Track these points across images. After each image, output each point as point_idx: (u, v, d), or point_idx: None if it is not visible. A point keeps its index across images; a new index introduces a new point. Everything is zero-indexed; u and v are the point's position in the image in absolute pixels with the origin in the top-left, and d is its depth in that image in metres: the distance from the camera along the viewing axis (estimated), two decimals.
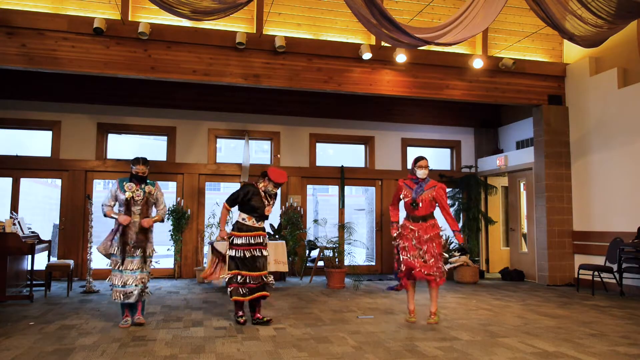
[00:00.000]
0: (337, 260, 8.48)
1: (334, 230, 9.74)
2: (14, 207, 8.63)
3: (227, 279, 5.20)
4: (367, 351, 4.12)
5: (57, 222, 9.08)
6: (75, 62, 6.99)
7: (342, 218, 10.05)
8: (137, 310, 5.10)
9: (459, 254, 8.95)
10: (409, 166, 5.64)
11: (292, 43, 7.67)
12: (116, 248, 4.99)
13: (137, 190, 5.10)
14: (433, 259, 5.15)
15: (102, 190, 14.27)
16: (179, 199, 9.25)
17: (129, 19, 7.17)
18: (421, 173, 5.31)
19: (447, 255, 8.80)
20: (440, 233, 5.35)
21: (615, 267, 7.30)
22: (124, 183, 5.11)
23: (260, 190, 5.26)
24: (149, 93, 9.19)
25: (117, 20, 7.05)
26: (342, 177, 10.01)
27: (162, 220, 5.33)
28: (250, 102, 9.65)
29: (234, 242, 5.16)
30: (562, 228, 8.64)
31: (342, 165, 10.07)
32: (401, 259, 5.29)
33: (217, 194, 11.96)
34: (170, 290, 7.56)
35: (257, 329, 4.96)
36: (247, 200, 5.20)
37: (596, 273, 7.47)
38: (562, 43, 8.99)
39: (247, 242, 5.14)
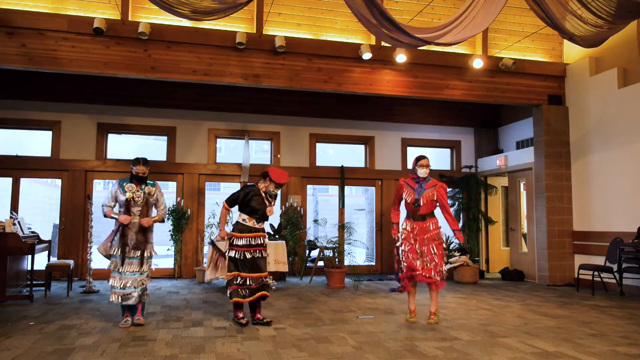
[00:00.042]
0: (337, 260, 8.48)
1: (334, 230, 9.74)
2: (14, 207, 8.63)
3: (226, 281, 5.19)
4: (367, 351, 4.12)
5: (57, 222, 9.09)
6: (75, 62, 6.99)
7: (342, 218, 10.05)
8: (137, 310, 5.10)
9: (459, 254, 8.95)
10: (409, 166, 5.65)
11: (292, 43, 7.67)
12: (116, 249, 4.99)
13: (138, 191, 5.09)
14: (433, 261, 5.15)
15: (102, 190, 14.27)
16: (179, 199, 9.25)
17: (129, 19, 7.17)
18: (422, 172, 5.31)
19: (447, 254, 8.80)
20: (440, 232, 5.35)
21: (615, 267, 7.30)
22: (124, 184, 5.10)
23: (261, 191, 5.25)
24: (149, 93, 9.19)
25: (117, 20, 7.05)
26: (342, 177, 10.01)
27: (162, 221, 5.32)
28: (250, 102, 9.65)
29: (234, 243, 5.14)
30: (562, 228, 8.65)
31: (342, 165, 10.07)
32: (402, 260, 5.29)
33: (217, 194, 11.96)
34: (170, 290, 7.56)
35: (257, 329, 4.96)
36: (248, 201, 5.18)
37: (596, 273, 7.47)
38: (562, 43, 8.99)
39: (248, 243, 5.13)
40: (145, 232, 5.08)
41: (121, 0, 7.02)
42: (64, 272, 7.38)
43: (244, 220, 5.19)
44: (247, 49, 7.56)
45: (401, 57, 7.91)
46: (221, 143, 10.44)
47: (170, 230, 9.02)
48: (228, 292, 5.14)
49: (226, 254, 5.27)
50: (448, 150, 11.00)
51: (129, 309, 5.08)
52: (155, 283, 8.20)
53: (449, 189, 10.02)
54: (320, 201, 16.04)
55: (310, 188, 10.97)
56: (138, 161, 5.13)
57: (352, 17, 7.24)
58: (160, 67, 7.30)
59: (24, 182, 9.06)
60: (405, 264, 5.24)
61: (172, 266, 9.19)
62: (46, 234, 9.09)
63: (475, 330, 4.92)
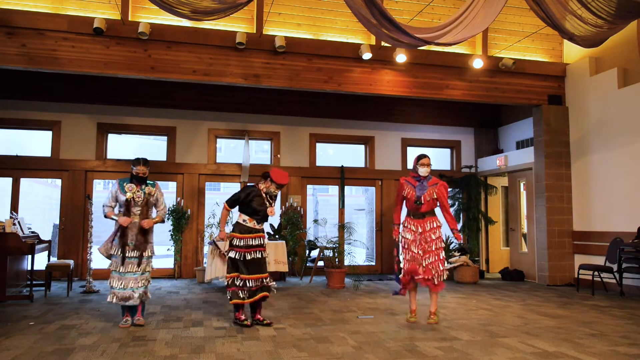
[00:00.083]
0: (337, 260, 8.48)
1: (334, 230, 9.74)
2: (14, 207, 8.63)
3: (226, 282, 5.18)
4: (367, 351, 4.12)
5: (57, 222, 9.09)
6: (75, 62, 6.99)
7: (342, 218, 10.05)
8: (137, 311, 5.10)
9: (459, 254, 8.95)
10: (409, 166, 5.66)
11: (292, 43, 7.67)
12: (116, 249, 4.99)
13: (138, 191, 5.08)
14: (433, 263, 5.15)
15: (102, 190, 14.29)
16: (179, 199, 9.25)
17: (129, 19, 7.17)
18: (423, 171, 5.32)
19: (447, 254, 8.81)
20: (441, 231, 5.36)
21: (615, 267, 7.30)
22: (125, 184, 5.10)
23: (262, 192, 5.25)
24: (149, 93, 9.19)
25: (117, 20, 7.05)
26: (342, 177, 10.01)
27: (162, 221, 5.31)
28: (250, 102, 9.65)
29: (234, 243, 5.13)
30: (562, 228, 8.65)
31: (342, 165, 10.07)
32: (401, 261, 5.30)
33: (217, 194, 11.97)
34: (170, 290, 7.56)
35: (257, 329, 4.96)
36: (248, 201, 5.17)
37: (596, 273, 7.47)
38: (562, 43, 8.99)
39: (248, 244, 5.12)
40: (145, 232, 5.08)
41: (121, 0, 7.02)
42: (64, 272, 7.38)
43: (244, 221, 5.18)
44: (247, 49, 7.56)
45: (401, 57, 7.91)
46: (221, 143, 10.44)
47: (170, 230, 9.02)
48: (228, 294, 5.13)
49: (226, 254, 5.26)
50: (448, 150, 11.01)
51: (129, 309, 5.08)
52: (155, 283, 8.20)
53: (449, 189, 10.01)
54: (320, 201, 16.05)
55: (310, 188, 10.97)
56: (138, 161, 5.12)
57: (352, 17, 7.24)
58: (160, 67, 7.30)
59: (24, 182, 9.06)
60: (405, 265, 5.25)
61: (172, 266, 9.19)
62: (46, 234, 9.10)
63: (475, 330, 4.92)
